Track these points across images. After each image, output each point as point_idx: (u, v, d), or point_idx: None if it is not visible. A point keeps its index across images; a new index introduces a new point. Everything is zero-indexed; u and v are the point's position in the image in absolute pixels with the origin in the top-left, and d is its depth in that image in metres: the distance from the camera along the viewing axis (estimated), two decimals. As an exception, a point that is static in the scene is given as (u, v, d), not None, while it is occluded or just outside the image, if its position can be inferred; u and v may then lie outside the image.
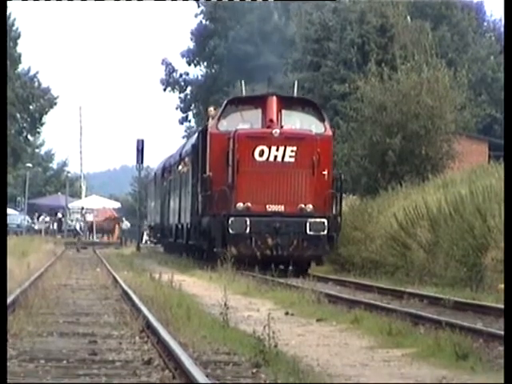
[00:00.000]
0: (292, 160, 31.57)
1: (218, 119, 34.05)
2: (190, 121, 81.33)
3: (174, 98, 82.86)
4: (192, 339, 12.06)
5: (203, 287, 26.44)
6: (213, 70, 78.88)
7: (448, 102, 41.74)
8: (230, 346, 11.60)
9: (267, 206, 31.41)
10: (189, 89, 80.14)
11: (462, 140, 43.12)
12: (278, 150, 31.48)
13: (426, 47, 51.41)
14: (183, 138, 66.71)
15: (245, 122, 33.16)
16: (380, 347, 12.98)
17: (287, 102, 33.94)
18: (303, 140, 32.15)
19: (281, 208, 31.43)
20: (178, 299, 19.69)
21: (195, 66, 77.77)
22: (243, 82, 35.83)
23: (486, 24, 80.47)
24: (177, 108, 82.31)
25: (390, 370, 10.52)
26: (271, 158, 31.44)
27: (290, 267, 30.68)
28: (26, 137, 77.00)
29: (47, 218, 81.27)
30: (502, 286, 20.26)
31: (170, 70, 78.87)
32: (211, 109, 38.23)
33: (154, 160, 61.80)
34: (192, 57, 77.47)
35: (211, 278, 29.12)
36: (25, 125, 75.82)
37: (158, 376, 8.80)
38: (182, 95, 79.75)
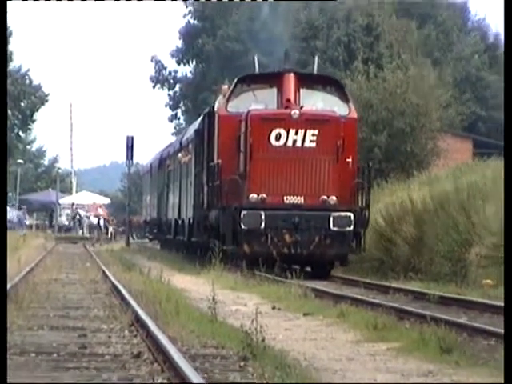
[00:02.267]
0: (313, 145, 27.87)
1: (228, 99, 30.36)
2: (179, 118, 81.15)
3: (163, 95, 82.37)
4: (180, 333, 12.19)
5: (192, 281, 26.31)
6: (201, 68, 78.44)
7: (433, 100, 42.30)
8: (217, 340, 11.67)
9: (285, 198, 27.73)
10: (178, 86, 79.85)
11: (446, 137, 44.27)
12: (297, 133, 27.71)
13: (412, 46, 52.33)
14: (172, 134, 66.47)
15: (258, 102, 29.27)
16: (366, 341, 13.11)
17: (307, 80, 30.38)
18: (326, 123, 28.31)
19: (300, 200, 27.72)
20: (167, 294, 19.46)
21: (184, 64, 77.25)
22: (256, 57, 31.81)
23: (470, 23, 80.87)
24: (166, 105, 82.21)
25: (375, 364, 10.70)
26: (289, 143, 27.76)
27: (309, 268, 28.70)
28: (18, 133, 76.33)
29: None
30: (487, 281, 21.58)
31: (160, 67, 78.44)
32: (225, 86, 33.39)
33: (144, 157, 60.70)
34: (181, 56, 76.91)
35: (199, 273, 28.66)
36: (16, 122, 74.79)
37: (146, 369, 8.87)
38: (171, 92, 79.67)
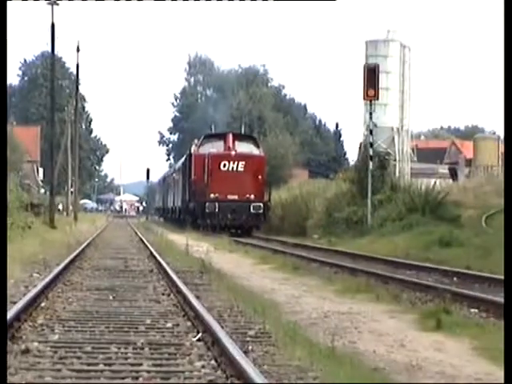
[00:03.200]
0: (242, 169, 43.86)
1: (198, 147, 46.86)
2: (169, 159, 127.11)
3: (163, 149, 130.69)
4: (171, 260, 20.15)
5: (178, 237, 36.24)
6: (182, 136, 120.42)
7: (290, 151, 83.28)
8: (189, 264, 19.32)
9: (228, 196, 43.46)
10: (170, 145, 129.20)
11: (296, 168, 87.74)
12: (233, 163, 43.77)
13: (280, 126, 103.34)
14: (169, 167, 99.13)
15: (214, 147, 45.67)
16: (258, 264, 22.41)
17: (238, 136, 48.79)
18: (248, 158, 44.61)
19: (235, 197, 43.59)
20: (165, 242, 30.34)
21: (174, 134, 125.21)
22: (213, 126, 53.92)
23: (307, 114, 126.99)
24: (166, 153, 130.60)
25: (263, 274, 19.36)
26: (229, 169, 43.72)
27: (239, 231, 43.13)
28: (95, 167, 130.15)
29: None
30: (314, 236, 36.99)
31: (162, 135, 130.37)
32: (196, 141, 50.06)
33: (155, 176, 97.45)
34: (173, 130, 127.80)
35: (182, 233, 40.05)
36: (94, 161, 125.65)
37: (155, 277, 16.50)
38: (168, 147, 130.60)
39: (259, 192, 43.48)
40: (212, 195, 42.72)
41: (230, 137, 45.24)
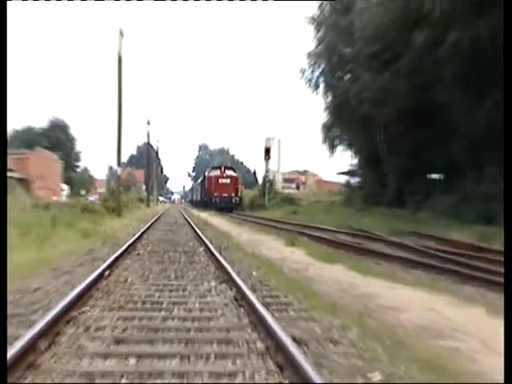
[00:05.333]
0: (228, 182, 72.81)
1: (209, 171, 77.23)
2: (193, 180, 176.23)
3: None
4: (193, 219, 37.53)
5: (203, 213, 54.19)
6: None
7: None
8: (199, 221, 36.33)
9: (222, 194, 71.39)
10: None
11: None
12: (224, 179, 73.03)
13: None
14: (192, 180, 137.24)
15: (215, 172, 74.85)
16: (228, 221, 41.44)
17: (226, 167, 78.72)
18: (231, 177, 73.82)
19: (226, 195, 71.52)
20: (197, 217, 46.29)
21: (193, 172, 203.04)
22: (211, 166, 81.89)
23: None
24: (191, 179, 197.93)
25: (229, 224, 36.28)
26: (222, 182, 72.63)
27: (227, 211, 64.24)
28: (163, 185, 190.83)
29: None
30: (248, 211, 69.74)
31: (189, 175, 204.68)
32: (207, 170, 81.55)
33: (187, 187, 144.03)
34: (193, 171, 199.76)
35: (203, 211, 63.16)
36: (163, 182, 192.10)
37: (187, 226, 30.59)
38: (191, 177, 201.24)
39: (236, 192, 72.94)
40: (215, 194, 71.83)
41: (223, 168, 77.10)
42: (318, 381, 4.63)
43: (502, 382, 4.44)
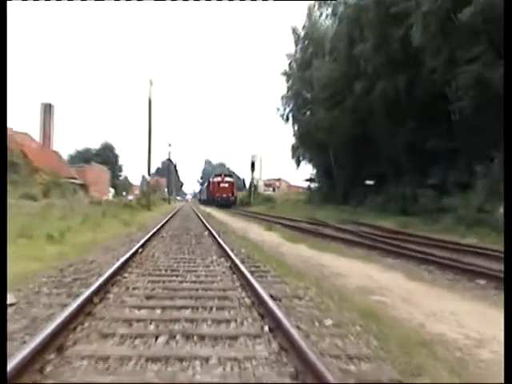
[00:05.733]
0: (227, 186, 66.91)
1: (212, 178, 71.96)
2: (201, 184, 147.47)
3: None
4: (200, 212, 35.06)
5: (208, 209, 53.27)
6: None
7: None
8: (204, 214, 32.81)
9: (222, 195, 65.87)
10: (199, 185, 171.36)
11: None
12: (224, 184, 67.19)
13: None
14: (200, 184, 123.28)
15: (217, 178, 69.71)
16: (226, 213, 42.00)
17: (225, 174, 73.48)
18: (229, 182, 68.10)
19: (225, 195, 65.97)
20: (205, 211, 42.21)
21: (201, 179, 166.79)
22: (213, 174, 75.79)
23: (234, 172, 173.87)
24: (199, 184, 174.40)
25: (226, 215, 36.19)
26: (222, 185, 66.83)
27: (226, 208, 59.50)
28: (178, 189, 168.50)
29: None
30: (241, 207, 60.45)
31: (198, 182, 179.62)
32: (212, 177, 75.56)
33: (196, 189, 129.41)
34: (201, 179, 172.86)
35: (208, 207, 59.45)
36: (179, 187, 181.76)
37: (196, 218, 28.24)
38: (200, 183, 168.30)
39: (233, 193, 67.80)
40: (217, 194, 66.53)
41: (223, 175, 72.34)
42: (287, 324, 4.70)
43: (501, 381, 3.55)
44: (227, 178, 69.24)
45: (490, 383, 3.76)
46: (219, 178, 68.98)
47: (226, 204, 62.89)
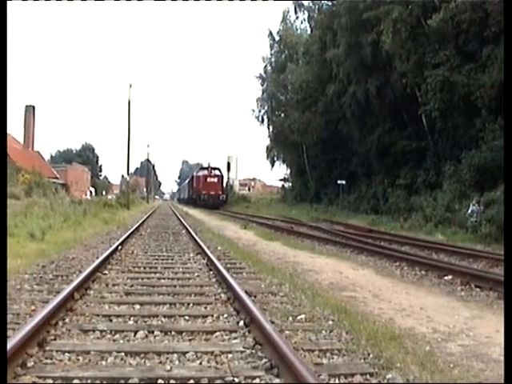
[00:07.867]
0: (215, 181, 54.85)
1: (197, 172, 60.28)
2: (179, 183, 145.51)
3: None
4: (180, 212, 33.90)
5: (190, 210, 47.02)
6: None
7: None
8: (183, 212, 35.18)
9: (210, 192, 53.44)
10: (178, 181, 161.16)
11: None
12: (211, 178, 54.86)
13: None
14: (177, 184, 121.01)
15: (203, 172, 56.75)
16: (209, 215, 40.12)
17: (212, 168, 56.94)
18: (217, 176, 55.76)
19: (213, 193, 53.55)
20: (184, 210, 42.57)
21: (179, 179, 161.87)
22: (199, 167, 67.09)
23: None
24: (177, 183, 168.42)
25: (213, 218, 30.56)
26: (210, 181, 54.44)
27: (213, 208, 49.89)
28: (157, 188, 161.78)
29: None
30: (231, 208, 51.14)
31: (178, 178, 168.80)
32: (197, 170, 64.32)
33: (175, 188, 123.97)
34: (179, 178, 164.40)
35: (190, 208, 54.57)
36: (157, 187, 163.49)
37: (174, 216, 28.85)
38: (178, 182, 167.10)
39: (222, 191, 56.05)
40: (203, 192, 54.45)
41: (209, 168, 57.64)
42: (262, 318, 4.53)
43: (501, 381, 3.02)
44: (215, 172, 56.84)
45: (490, 383, 3.72)
46: (205, 172, 56.55)
47: (213, 204, 51.75)
